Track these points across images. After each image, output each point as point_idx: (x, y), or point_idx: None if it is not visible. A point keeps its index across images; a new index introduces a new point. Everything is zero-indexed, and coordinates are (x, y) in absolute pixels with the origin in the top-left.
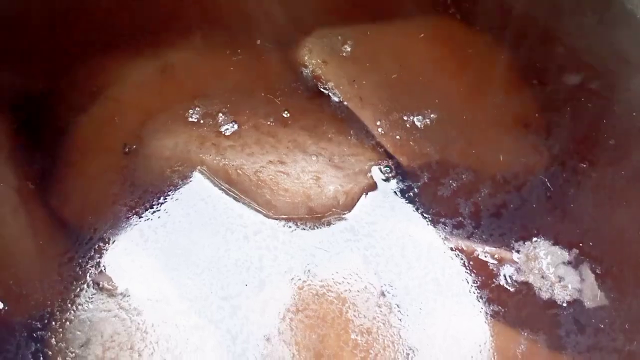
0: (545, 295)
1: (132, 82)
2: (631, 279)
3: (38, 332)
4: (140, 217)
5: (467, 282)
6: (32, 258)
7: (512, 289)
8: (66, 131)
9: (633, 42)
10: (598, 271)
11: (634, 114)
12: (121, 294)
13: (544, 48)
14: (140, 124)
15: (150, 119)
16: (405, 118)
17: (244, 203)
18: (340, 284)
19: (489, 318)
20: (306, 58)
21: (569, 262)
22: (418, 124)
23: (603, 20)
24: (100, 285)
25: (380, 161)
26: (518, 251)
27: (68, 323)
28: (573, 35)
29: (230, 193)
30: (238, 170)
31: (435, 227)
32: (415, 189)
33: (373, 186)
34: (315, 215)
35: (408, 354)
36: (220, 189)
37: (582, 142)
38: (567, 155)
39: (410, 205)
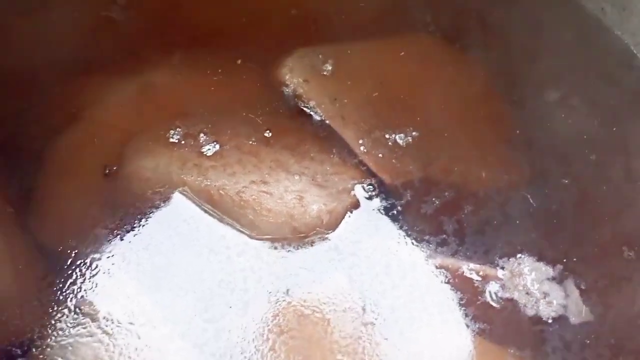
0: (530, 311)
1: (111, 103)
2: (615, 293)
3: None
4: (121, 240)
5: (453, 300)
6: (10, 283)
7: (497, 306)
8: (44, 153)
9: (611, 58)
10: (582, 286)
11: (614, 129)
12: (103, 318)
13: (523, 65)
14: (120, 145)
15: (131, 140)
16: (387, 136)
17: (227, 224)
18: (325, 304)
19: (475, 335)
20: (287, 77)
21: (554, 278)
22: (400, 142)
23: (582, 37)
24: (82, 310)
25: (363, 180)
26: (503, 268)
27: (49, 349)
28: (552, 52)
29: (213, 214)
30: (220, 191)
31: (419, 245)
32: (399, 207)
33: (356, 205)
34: (299, 235)
35: None
36: (203, 210)
37: (564, 158)
38: (548, 171)
39: (394, 224)
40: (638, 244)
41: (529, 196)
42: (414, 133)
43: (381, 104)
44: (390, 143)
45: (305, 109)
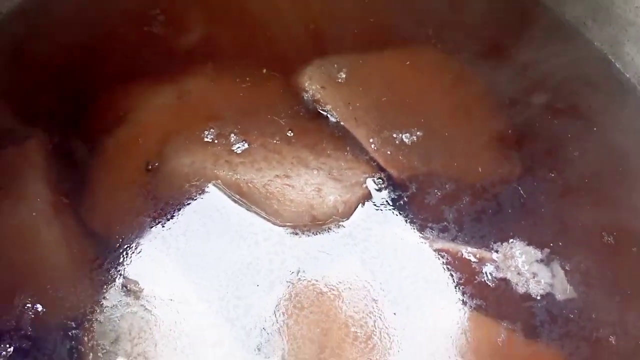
0: (521, 289)
1: (153, 107)
2: (596, 273)
3: (73, 332)
4: (162, 227)
5: (453, 280)
6: (66, 265)
7: (492, 285)
8: (95, 151)
9: (591, 66)
10: (567, 267)
11: (595, 129)
12: (146, 295)
13: (514, 73)
14: (161, 144)
15: (170, 140)
16: (394, 135)
17: (254, 212)
18: (340, 283)
19: (472, 311)
20: (307, 84)
21: (542, 260)
22: (406, 140)
23: (566, 48)
24: (128, 288)
25: (373, 174)
26: (497, 251)
27: (99, 322)
28: (540, 61)
29: (242, 204)
30: (249, 184)
31: (423, 231)
32: (405, 198)
33: (368, 196)
34: (318, 223)
35: (401, 343)
36: (233, 200)
37: (550, 154)
38: (537, 166)
39: (401, 213)
40: (616, 231)
41: (519, 188)
42: (418, 133)
43: (389, 107)
44: (397, 142)
45: (322, 112)
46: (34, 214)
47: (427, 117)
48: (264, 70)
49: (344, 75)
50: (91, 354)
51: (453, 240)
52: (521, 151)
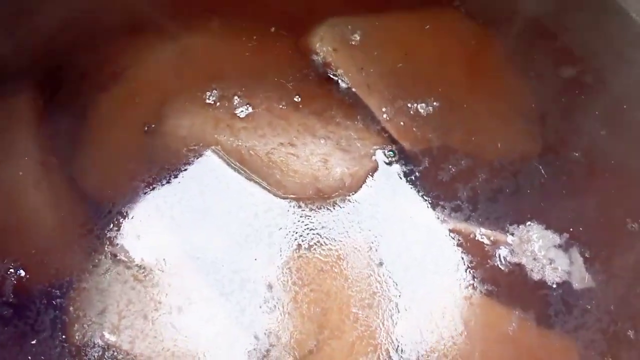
0: (536, 276)
1: (152, 64)
2: (617, 262)
3: (57, 300)
4: (156, 193)
5: (464, 262)
6: (53, 229)
7: (505, 270)
8: (89, 109)
9: (625, 39)
10: (587, 255)
11: (625, 106)
12: (137, 265)
13: (541, 42)
14: (159, 104)
15: (169, 100)
16: (409, 105)
17: (255, 182)
18: (344, 261)
19: (483, 296)
20: (318, 45)
21: (560, 246)
22: (421, 111)
23: (598, 17)
24: (117, 257)
25: (384, 145)
26: (512, 234)
27: (86, 292)
28: (569, 31)
29: (243, 172)
30: (250, 151)
31: (434, 210)
32: (417, 173)
33: (377, 169)
34: (322, 196)
35: (404, 328)
36: (233, 168)
37: (575, 132)
38: (560, 144)
39: (411, 189)
40: None
41: (540, 167)
42: (435, 103)
43: (405, 74)
44: (411, 112)
45: (333, 76)
46: (20, 173)
47: (445, 87)
48: (273, 29)
49: (358, 38)
50: (76, 325)
51: (466, 220)
52: (545, 128)
